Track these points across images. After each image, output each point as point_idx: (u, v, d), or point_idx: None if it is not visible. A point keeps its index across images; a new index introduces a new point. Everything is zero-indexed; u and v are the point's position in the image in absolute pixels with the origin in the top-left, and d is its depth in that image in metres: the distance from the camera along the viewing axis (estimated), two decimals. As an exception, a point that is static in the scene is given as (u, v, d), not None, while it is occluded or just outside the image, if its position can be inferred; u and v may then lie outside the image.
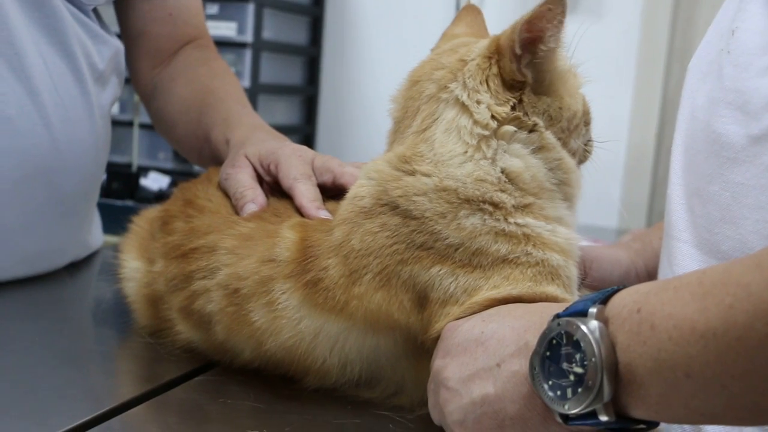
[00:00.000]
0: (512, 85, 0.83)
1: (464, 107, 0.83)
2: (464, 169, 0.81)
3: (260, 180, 1.00)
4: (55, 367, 0.91)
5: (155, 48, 1.40)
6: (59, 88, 1.16)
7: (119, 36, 1.36)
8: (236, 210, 0.94)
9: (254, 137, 1.10)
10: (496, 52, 0.83)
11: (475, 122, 0.82)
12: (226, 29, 3.01)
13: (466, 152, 0.81)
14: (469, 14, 1.00)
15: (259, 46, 3.04)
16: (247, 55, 3.00)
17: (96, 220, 1.42)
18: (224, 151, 1.13)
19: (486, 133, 0.82)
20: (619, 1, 2.79)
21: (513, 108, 0.83)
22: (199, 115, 1.27)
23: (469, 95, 0.83)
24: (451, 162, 0.81)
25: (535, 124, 0.83)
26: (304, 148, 1.03)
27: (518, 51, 0.81)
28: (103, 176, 1.37)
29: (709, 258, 0.84)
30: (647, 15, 2.82)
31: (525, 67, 0.82)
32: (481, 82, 0.83)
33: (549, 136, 0.84)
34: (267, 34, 3.12)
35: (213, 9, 3.02)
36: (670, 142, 0.94)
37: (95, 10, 1.28)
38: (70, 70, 1.19)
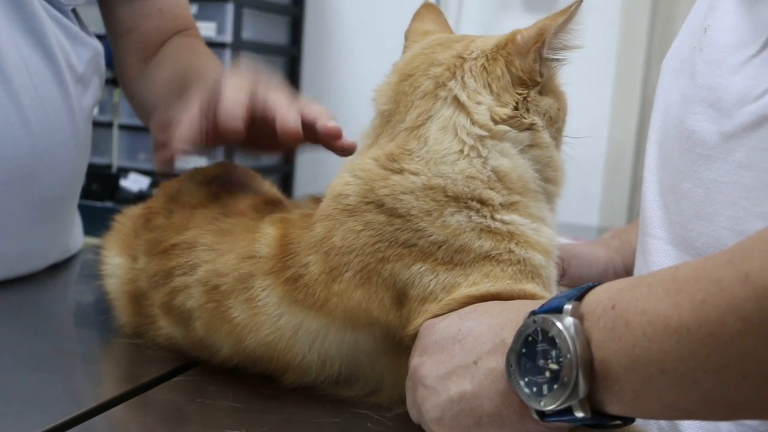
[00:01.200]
0: (522, 83, 0.84)
1: (462, 106, 0.83)
2: (456, 166, 0.81)
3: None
4: (35, 368, 0.91)
5: (145, 42, 1.39)
6: (39, 90, 1.16)
7: (101, 37, 1.35)
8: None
9: (207, 77, 1.09)
10: (513, 51, 0.84)
11: (473, 122, 0.82)
12: (205, 29, 3.01)
13: (461, 151, 0.82)
14: (431, 12, 1.01)
15: (239, 46, 3.04)
16: (227, 55, 3.00)
17: (77, 223, 1.42)
18: None
19: (484, 133, 0.82)
20: (597, 0, 2.80)
21: (516, 107, 0.83)
22: (179, 92, 1.25)
23: (468, 96, 0.83)
24: (444, 160, 0.81)
25: (533, 124, 0.84)
26: (252, 76, 1.01)
27: (546, 54, 0.83)
28: (83, 179, 1.36)
29: (683, 254, 0.84)
30: (626, 13, 2.83)
31: (542, 68, 0.84)
32: (483, 85, 0.84)
33: (545, 136, 0.85)
34: (247, 34, 3.11)
35: (192, 9, 3.00)
36: (649, 139, 0.95)
37: (74, 11, 1.27)
38: (51, 72, 1.18)
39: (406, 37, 0.97)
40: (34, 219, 1.20)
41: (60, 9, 1.21)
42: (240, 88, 0.97)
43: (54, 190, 1.22)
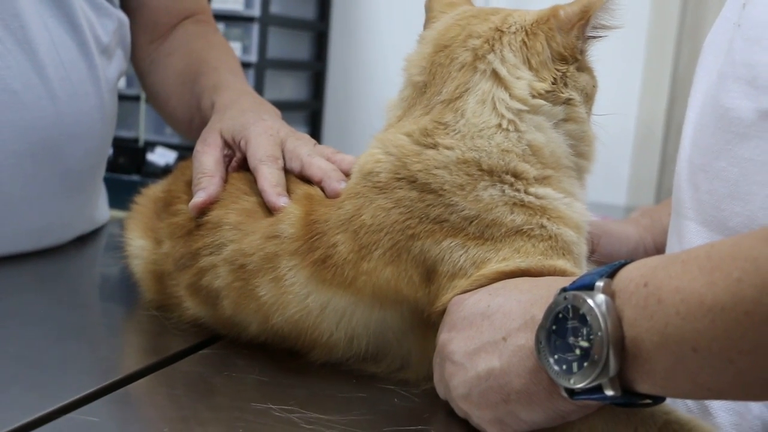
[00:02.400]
0: (563, 59, 0.84)
1: (501, 80, 0.83)
2: (493, 140, 0.81)
3: (232, 156, 0.99)
4: (61, 340, 0.91)
5: (153, 21, 1.38)
6: (65, 61, 1.16)
7: None
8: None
9: (238, 103, 1.09)
10: (555, 27, 0.84)
11: (513, 96, 0.82)
12: (233, 3, 3.00)
13: (499, 125, 0.82)
14: None
15: (267, 20, 3.03)
16: (255, 29, 2.99)
17: (102, 195, 1.42)
18: (210, 116, 1.12)
19: (524, 107, 0.82)
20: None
21: (554, 82, 0.83)
22: (192, 85, 1.25)
23: (508, 70, 0.83)
24: (481, 133, 0.81)
25: (570, 99, 0.84)
26: (278, 125, 1.02)
27: (590, 32, 0.84)
28: (110, 151, 1.36)
29: (715, 235, 0.83)
30: (658, -9, 2.80)
31: (584, 45, 0.84)
32: (523, 60, 0.84)
33: (581, 111, 0.85)
34: (274, 8, 3.10)
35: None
36: (680, 118, 0.94)
37: None
38: (76, 44, 1.18)
39: (428, 9, 0.95)
40: (61, 190, 1.21)
41: None
42: (269, 138, 0.97)
43: (80, 161, 1.22)
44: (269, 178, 0.90)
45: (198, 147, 1.00)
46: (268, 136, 0.97)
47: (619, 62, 2.82)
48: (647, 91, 2.83)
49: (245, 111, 1.06)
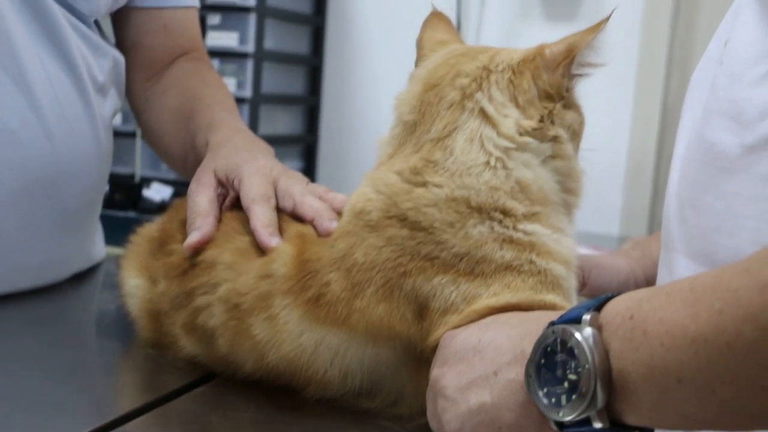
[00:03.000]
0: (549, 97, 0.85)
1: (489, 118, 0.84)
2: (481, 177, 0.82)
3: (226, 194, 1.00)
4: (57, 380, 0.92)
5: (148, 59, 1.39)
6: (61, 100, 1.17)
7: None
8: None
9: (232, 141, 1.10)
10: (541, 66, 0.85)
11: (500, 134, 0.83)
12: (228, 39, 3.02)
13: (487, 162, 0.82)
14: (441, 21, 1.01)
15: (261, 56, 3.05)
16: (249, 65, 3.01)
17: (99, 232, 1.43)
18: (204, 154, 1.13)
19: (511, 145, 0.83)
20: (618, 11, 2.80)
21: (541, 120, 0.84)
22: (186, 123, 1.26)
23: (495, 108, 0.84)
24: (470, 171, 0.82)
25: (557, 136, 0.85)
26: (271, 163, 1.02)
27: (575, 70, 0.85)
28: (106, 188, 1.37)
29: (704, 269, 0.83)
30: (647, 22, 2.82)
31: (570, 83, 0.85)
32: (510, 98, 0.84)
33: (568, 148, 0.86)
34: (269, 44, 3.12)
35: (215, 19, 3.03)
36: (670, 149, 0.94)
37: (96, 22, 1.28)
38: (72, 82, 1.19)
39: (419, 47, 0.97)
40: (57, 229, 1.21)
41: (82, 20, 1.22)
42: (262, 177, 0.98)
43: (76, 199, 1.23)
44: (261, 218, 0.91)
45: (192, 186, 1.01)
46: (261, 175, 0.98)
47: (609, 94, 2.84)
48: (638, 121, 2.85)
49: (239, 149, 1.07)
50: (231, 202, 0.99)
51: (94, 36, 1.25)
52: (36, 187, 1.15)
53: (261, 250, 0.87)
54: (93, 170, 1.25)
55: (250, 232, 0.91)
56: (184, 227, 0.96)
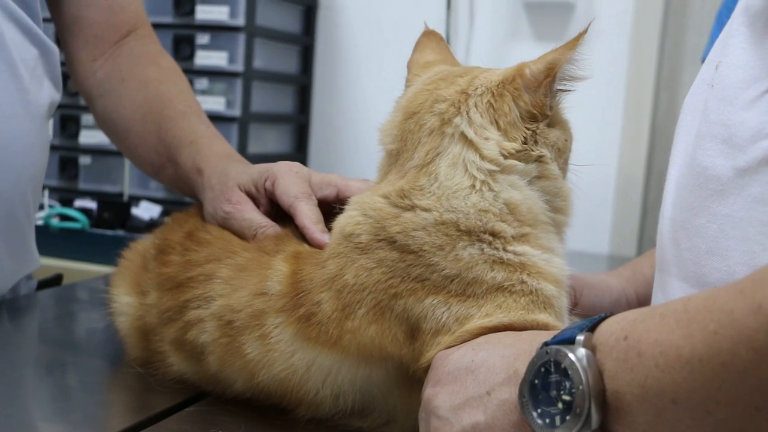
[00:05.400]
0: (532, 117, 0.85)
1: (470, 142, 0.83)
2: (469, 200, 0.81)
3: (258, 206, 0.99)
4: (47, 398, 0.91)
5: (93, 36, 1.33)
6: None
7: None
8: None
9: (234, 168, 1.08)
10: (522, 86, 0.84)
11: (483, 157, 0.83)
12: (217, 59, 3.02)
13: (473, 185, 0.82)
14: (431, 40, 1.01)
15: (250, 75, 3.05)
16: (238, 84, 3.01)
17: (32, 238, 1.34)
18: (196, 180, 1.11)
19: (494, 168, 0.83)
20: (607, 28, 2.81)
21: (524, 141, 0.84)
22: (158, 128, 1.23)
23: (476, 131, 0.83)
24: (456, 195, 0.82)
25: (541, 156, 0.85)
26: (298, 164, 1.02)
27: (558, 86, 0.84)
28: (42, 184, 1.30)
29: (696, 291, 0.84)
30: (635, 42, 2.83)
31: (552, 102, 0.85)
32: (490, 121, 0.84)
33: (553, 168, 0.86)
34: (258, 63, 3.13)
35: (204, 39, 3.02)
36: (660, 168, 0.95)
37: (33, 10, 1.24)
38: (4, 65, 1.15)
39: (409, 69, 0.97)
40: None
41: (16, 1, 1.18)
42: (296, 175, 0.98)
43: (11, 188, 1.18)
44: (309, 215, 0.91)
45: (228, 209, 0.99)
46: (295, 173, 0.98)
47: (598, 113, 2.85)
48: (627, 141, 2.85)
49: (248, 167, 1.07)
50: (265, 211, 0.98)
51: (26, 18, 1.21)
52: None
53: (260, 267, 0.87)
54: (29, 159, 1.20)
55: (254, 249, 0.90)
56: (187, 240, 0.96)
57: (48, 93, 1.26)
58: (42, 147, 1.25)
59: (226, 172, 1.07)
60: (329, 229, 0.89)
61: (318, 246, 0.89)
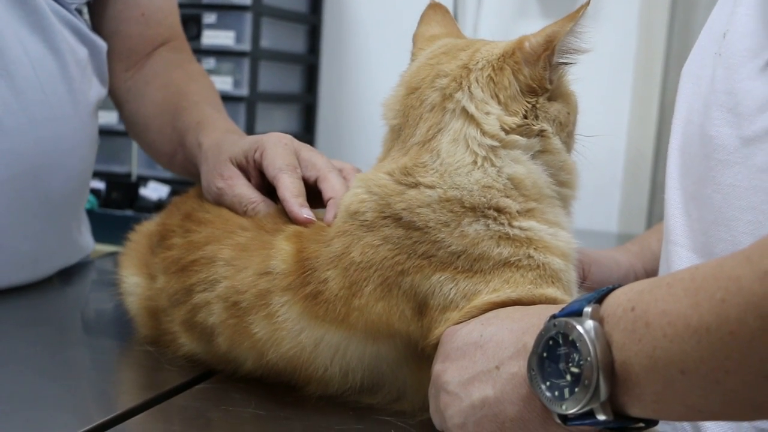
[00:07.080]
0: (532, 91, 0.84)
1: (472, 118, 0.83)
2: (472, 177, 0.81)
3: (249, 179, 0.99)
4: (59, 376, 0.92)
5: (127, 49, 1.37)
6: (45, 85, 1.15)
7: None
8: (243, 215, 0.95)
9: (227, 139, 1.08)
10: (521, 60, 0.84)
11: (484, 132, 0.82)
12: (224, 38, 3.01)
13: (474, 162, 0.82)
14: (437, 12, 1.00)
15: (258, 54, 3.05)
16: (246, 63, 3.00)
17: (86, 223, 1.41)
18: (197, 155, 1.12)
19: (495, 143, 0.82)
20: (615, 6, 2.79)
21: (525, 115, 0.83)
22: (172, 118, 1.25)
23: (477, 106, 0.83)
24: (458, 171, 0.81)
25: (543, 130, 0.84)
26: (289, 137, 1.01)
27: (556, 60, 0.84)
28: (91, 176, 1.35)
29: (704, 261, 0.84)
30: (644, 19, 2.82)
31: (552, 75, 0.84)
32: (491, 95, 0.84)
33: (556, 141, 0.85)
34: (265, 42, 3.12)
35: (211, 18, 3.02)
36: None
37: (79, 12, 1.27)
38: (57, 67, 1.18)
39: (414, 42, 0.97)
40: (44, 216, 1.20)
41: (64, 6, 1.21)
42: (285, 148, 0.98)
43: (62, 185, 1.22)
44: (290, 188, 0.91)
45: (220, 184, 0.99)
46: (283, 145, 0.98)
47: (607, 90, 2.83)
48: (636, 118, 2.84)
49: (240, 137, 1.07)
50: (256, 183, 0.98)
51: (77, 21, 1.24)
52: (20, 175, 1.14)
53: (261, 245, 0.87)
54: (77, 155, 1.23)
55: (252, 227, 0.90)
56: (185, 221, 0.96)
57: (96, 91, 1.29)
58: (90, 143, 1.28)
59: (220, 144, 1.07)
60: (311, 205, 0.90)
61: (296, 220, 0.88)
